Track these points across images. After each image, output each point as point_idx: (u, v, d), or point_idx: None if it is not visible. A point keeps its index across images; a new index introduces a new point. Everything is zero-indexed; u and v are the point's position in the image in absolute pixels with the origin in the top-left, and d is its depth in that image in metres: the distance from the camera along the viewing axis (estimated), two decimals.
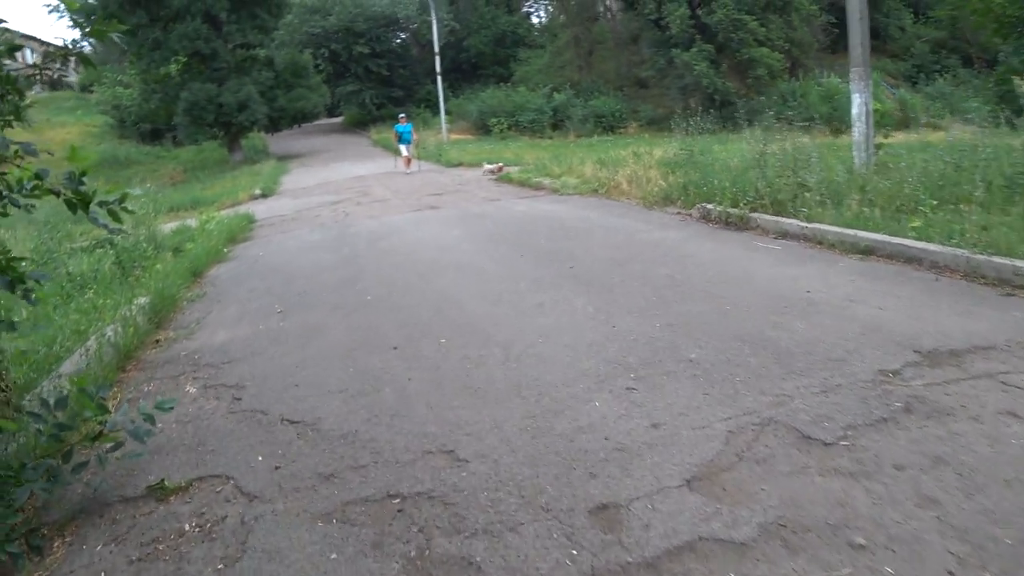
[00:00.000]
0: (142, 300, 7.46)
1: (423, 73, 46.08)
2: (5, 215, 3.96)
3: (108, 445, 3.73)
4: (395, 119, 42.10)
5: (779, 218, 9.11)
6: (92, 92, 48.49)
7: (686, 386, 4.34)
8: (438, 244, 9.87)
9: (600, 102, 36.79)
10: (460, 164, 23.94)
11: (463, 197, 15.60)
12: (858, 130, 11.41)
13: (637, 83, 41.30)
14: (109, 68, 49.52)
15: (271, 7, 34.49)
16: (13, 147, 4.04)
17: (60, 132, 45.06)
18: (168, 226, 14.69)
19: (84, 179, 4.31)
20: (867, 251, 7.48)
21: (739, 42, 35.25)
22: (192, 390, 5.25)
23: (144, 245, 11.19)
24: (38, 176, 4.37)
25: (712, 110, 36.71)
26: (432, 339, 5.63)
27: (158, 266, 9.91)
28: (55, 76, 5.02)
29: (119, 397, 5.29)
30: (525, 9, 50.30)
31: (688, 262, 7.58)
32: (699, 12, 36.63)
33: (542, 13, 51.18)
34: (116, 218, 4.42)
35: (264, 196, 21.76)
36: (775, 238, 8.76)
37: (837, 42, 45.36)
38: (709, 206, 10.26)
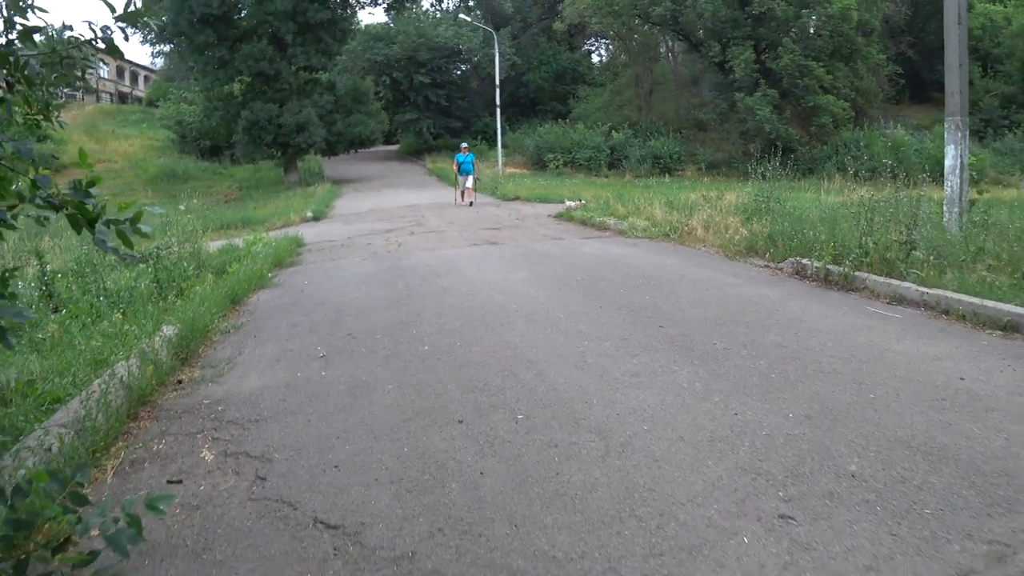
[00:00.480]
0: (169, 330, 6.45)
1: (481, 105, 45.45)
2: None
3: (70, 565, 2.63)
4: (453, 149, 41.69)
5: (891, 280, 7.84)
6: (158, 107, 48.77)
7: (861, 519, 3.12)
8: (503, 286, 8.74)
9: (658, 143, 35.70)
10: (517, 198, 22.97)
11: (523, 233, 14.52)
12: (951, 184, 10.20)
13: (696, 126, 40.13)
14: (175, 85, 49.92)
15: (336, 32, 34.13)
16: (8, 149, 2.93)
17: (124, 144, 45.29)
18: (215, 244, 13.87)
19: (92, 190, 3.12)
20: (1009, 327, 6.23)
21: (804, 88, 34.02)
22: (209, 457, 4.16)
23: (185, 264, 10.28)
24: (35, 185, 3.17)
25: (773, 156, 35.45)
26: (506, 412, 4.48)
27: (197, 288, 8.96)
28: (79, 66, 3.91)
29: (121, 456, 4.23)
30: (586, 47, 49.63)
31: (799, 328, 6.35)
32: (764, 57, 35.49)
33: (603, 52, 50.56)
34: (127, 241, 3.25)
35: (316, 219, 20.97)
36: (887, 303, 7.50)
37: (902, 92, 43.93)
38: (804, 261, 9.02)
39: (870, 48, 36.38)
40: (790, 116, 35.11)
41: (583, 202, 18.44)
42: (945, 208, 10.24)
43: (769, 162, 32.92)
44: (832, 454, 3.79)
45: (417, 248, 12.95)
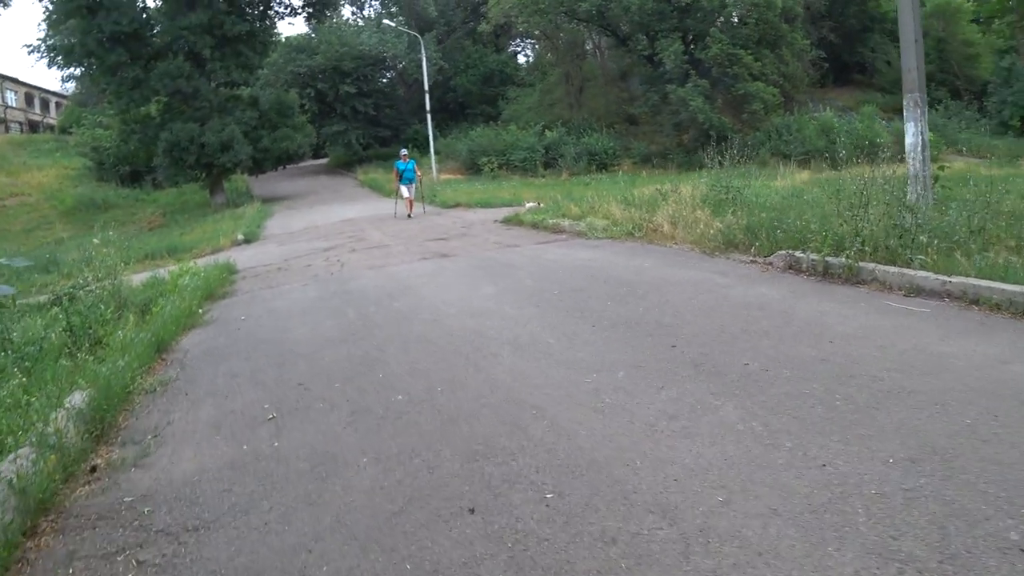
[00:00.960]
0: (80, 398, 5.17)
1: (409, 112, 44.16)
2: None
3: None
4: (384, 159, 40.39)
5: (905, 270, 6.99)
6: (71, 134, 46.10)
7: None
8: (471, 306, 7.63)
9: (592, 139, 34.98)
10: (457, 205, 21.84)
11: (475, 242, 13.42)
12: (914, 162, 9.55)
13: (627, 120, 39.60)
14: (89, 110, 47.27)
15: (256, 44, 32.46)
16: None
17: (37, 175, 42.66)
18: (139, 277, 12.46)
19: None
20: None
21: (733, 77, 33.79)
22: None
23: (103, 306, 8.89)
24: None
25: (707, 146, 35.03)
26: (529, 490, 3.36)
27: (118, 333, 7.63)
28: None
29: None
30: (512, 49, 48.74)
31: (830, 336, 5.41)
32: (692, 48, 35.09)
33: (528, 52, 49.71)
34: None
35: (247, 242, 19.49)
36: (905, 295, 6.64)
37: (826, 76, 44.22)
38: (798, 254, 8.14)
39: (795, 34, 36.32)
40: (722, 105, 34.76)
41: (540, 204, 17.43)
42: (909, 186, 9.55)
43: (703, 151, 32.52)
44: (976, 516, 2.80)
45: (362, 267, 11.72)
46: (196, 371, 6.35)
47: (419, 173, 20.68)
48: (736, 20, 35.13)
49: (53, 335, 7.78)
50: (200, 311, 9.27)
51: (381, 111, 41.54)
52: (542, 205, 17.42)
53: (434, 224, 17.71)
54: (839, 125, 34.13)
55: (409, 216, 19.75)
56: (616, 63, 40.95)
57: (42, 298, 11.70)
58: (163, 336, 7.56)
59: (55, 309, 10.24)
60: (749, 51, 33.82)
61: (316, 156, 46.95)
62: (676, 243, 10.60)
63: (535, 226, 14.74)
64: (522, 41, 49.93)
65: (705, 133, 33.69)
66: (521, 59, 48.84)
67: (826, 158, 30.36)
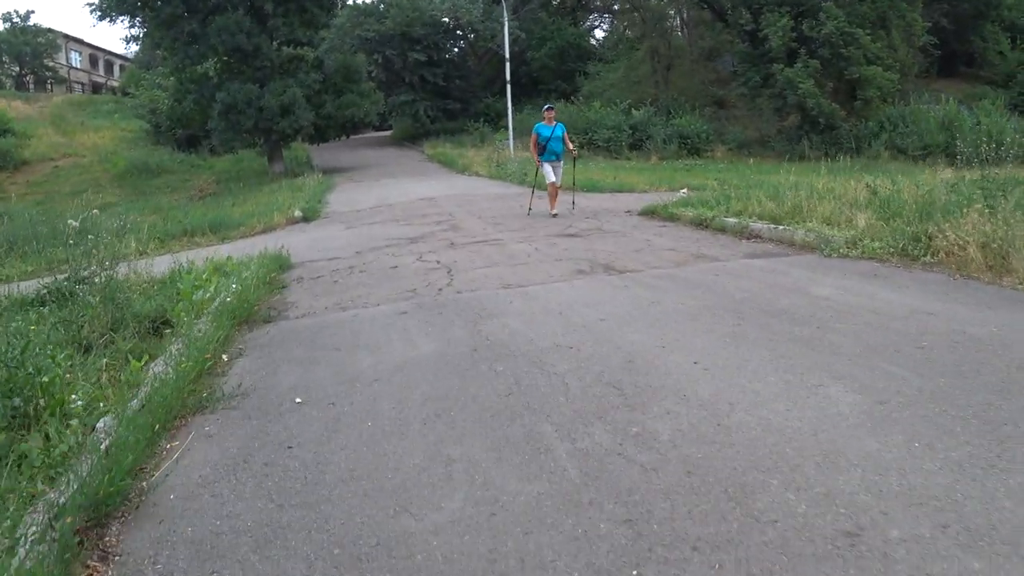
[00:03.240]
0: None
1: (480, 85, 39.50)
2: None
3: None
4: (451, 133, 35.49)
5: None
6: (131, 96, 42.32)
7: None
8: (835, 446, 3.07)
9: (683, 121, 30.07)
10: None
11: (631, 246, 8.90)
12: None
13: (716, 102, 34.49)
14: (151, 72, 43.44)
15: (322, 1, 28.08)
16: None
17: (93, 136, 39.02)
18: (166, 261, 8.32)
19: None
20: None
21: (846, 59, 28.44)
22: None
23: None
24: None
25: (812, 134, 29.95)
26: None
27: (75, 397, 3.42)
28: None
29: None
30: (588, 24, 43.75)
31: None
32: (803, 25, 29.84)
33: (605, 27, 44.63)
34: None
35: (306, 219, 15.20)
36: None
37: (932, 66, 38.43)
38: None
39: (914, 15, 30.79)
40: (831, 90, 29.48)
41: (688, 191, 12.80)
42: None
43: (808, 140, 27.17)
44: None
45: (485, 279, 7.25)
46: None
47: (571, 145, 12.80)
48: None
49: None
50: (224, 358, 4.92)
51: (451, 82, 36.92)
52: (689, 193, 12.80)
53: (541, 210, 13.19)
54: (964, 119, 28.72)
55: (553, 215, 12.23)
56: (705, 40, 35.77)
57: (37, 288, 7.82)
58: (138, 450, 3.20)
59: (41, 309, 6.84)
60: (867, 31, 28.50)
61: (379, 128, 42.60)
62: (1010, 277, 5.94)
63: (700, 224, 10.18)
64: (599, 16, 44.89)
65: (812, 120, 28.69)
66: (598, 34, 43.85)
67: (948, 155, 25.21)
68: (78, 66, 53.71)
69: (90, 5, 27.03)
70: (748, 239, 8.93)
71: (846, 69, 28.68)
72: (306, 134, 27.90)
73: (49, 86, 49.66)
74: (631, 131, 29.85)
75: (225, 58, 27.19)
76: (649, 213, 11.66)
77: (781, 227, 8.73)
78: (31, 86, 49.82)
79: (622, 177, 19.70)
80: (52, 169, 34.46)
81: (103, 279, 7.54)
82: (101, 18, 27.11)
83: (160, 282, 8.41)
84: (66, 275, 8.46)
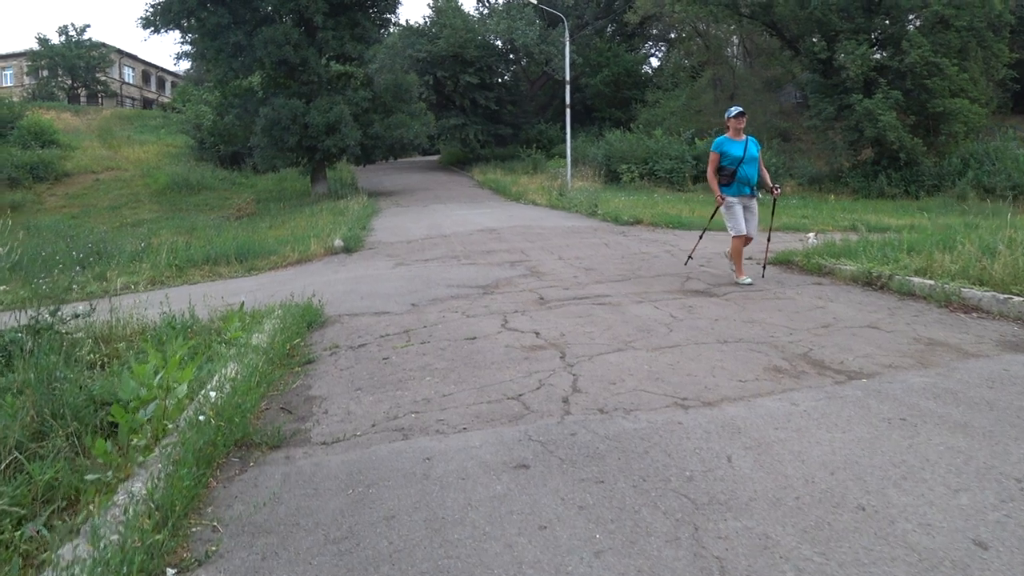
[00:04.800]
0: None
1: (533, 111, 36.88)
2: None
3: None
4: (502, 160, 32.46)
5: None
6: (178, 111, 40.38)
7: None
8: None
9: None
10: (639, 222, 14.32)
11: (787, 311, 5.97)
12: None
13: (780, 135, 31.38)
14: (199, 88, 41.55)
15: (374, 16, 25.65)
16: None
17: (138, 150, 37.05)
18: (179, 295, 5.57)
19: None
20: None
21: (929, 91, 25.25)
22: None
23: None
24: None
25: (891, 170, 26.71)
26: None
27: None
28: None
29: None
30: (644, 50, 40.90)
31: None
32: (881, 54, 26.84)
33: (659, 54, 41.71)
34: None
35: (347, 250, 12.45)
36: None
37: (1007, 101, 34.89)
38: None
39: (1000, 45, 27.51)
40: (913, 123, 26.21)
41: (816, 238, 9.75)
42: None
43: (885, 176, 23.79)
44: None
45: (630, 379, 4.33)
46: None
47: (765, 171, 7.95)
48: (939, 22, 26.62)
49: None
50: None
51: (503, 107, 34.28)
52: (817, 238, 9.78)
53: (636, 252, 10.25)
54: None
55: (744, 282, 7.52)
56: (769, 69, 32.73)
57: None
58: None
59: None
60: (953, 61, 25.34)
61: (426, 152, 40.10)
62: None
63: (869, 283, 7.20)
64: (655, 44, 42.05)
65: (892, 155, 25.44)
66: (654, 62, 41.01)
67: None
68: (131, 81, 52.20)
69: (141, 20, 24.91)
70: (963, 311, 5.92)
71: (929, 102, 25.47)
72: (352, 154, 25.32)
73: (100, 100, 48.06)
74: (694, 162, 26.88)
75: (271, 72, 24.84)
76: (785, 263, 8.67)
77: (1020, 299, 5.72)
78: (83, 99, 48.27)
79: (701, 212, 16.73)
80: (93, 182, 32.42)
81: (46, 339, 4.94)
82: (146, 27, 24.91)
83: (149, 333, 5.74)
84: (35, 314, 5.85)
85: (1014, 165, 25.07)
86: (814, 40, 28.05)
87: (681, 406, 3.74)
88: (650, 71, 39.58)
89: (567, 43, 24.71)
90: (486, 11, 36.54)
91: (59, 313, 6.41)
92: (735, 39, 34.04)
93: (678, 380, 4.19)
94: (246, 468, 3.43)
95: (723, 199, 7.63)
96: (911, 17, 27.24)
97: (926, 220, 16.44)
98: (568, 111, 24.51)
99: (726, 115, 7.79)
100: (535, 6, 33.31)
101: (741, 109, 7.72)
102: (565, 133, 26.52)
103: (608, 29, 39.58)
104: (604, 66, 35.80)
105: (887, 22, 26.65)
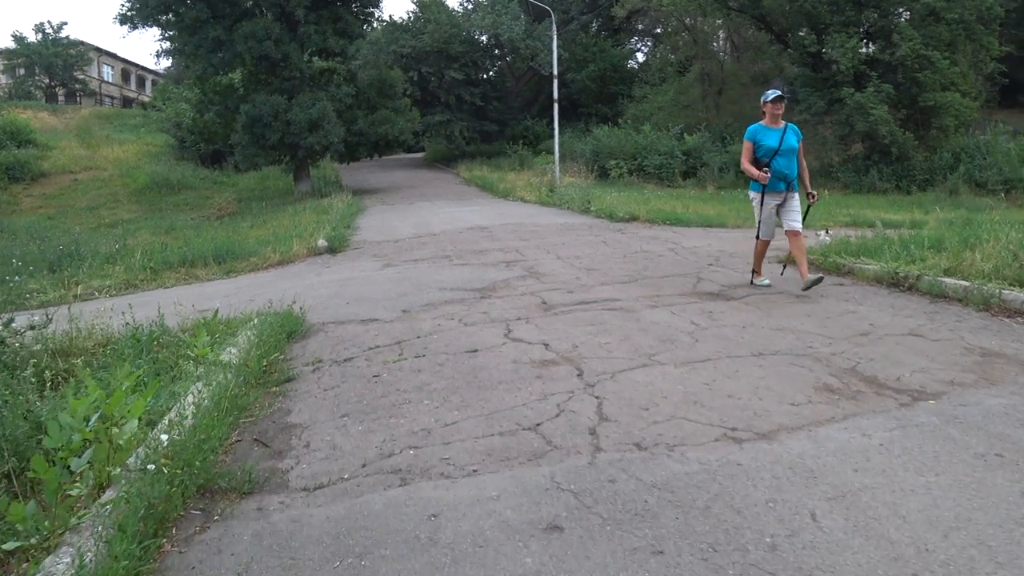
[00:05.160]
0: None
1: (518, 108, 36.15)
2: None
3: None
4: (488, 156, 31.61)
5: None
6: (158, 109, 39.32)
7: None
8: None
9: (740, 148, 26.32)
10: (635, 219, 13.71)
11: (817, 316, 5.37)
12: None
13: None
14: (179, 87, 40.48)
15: (357, 11, 24.84)
16: None
17: (117, 150, 36.01)
18: (150, 300, 4.84)
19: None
20: None
21: (919, 85, 24.83)
22: None
23: None
24: None
25: (882, 164, 26.25)
26: None
27: None
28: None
29: None
30: (630, 46, 40.26)
31: None
32: (871, 47, 26.33)
33: (644, 49, 41.03)
34: None
35: (332, 250, 11.73)
36: None
37: (994, 95, 34.57)
38: None
39: (990, 38, 27.13)
40: (904, 117, 25.72)
41: (829, 234, 9.12)
42: None
43: (876, 170, 23.29)
44: None
45: (664, 404, 3.70)
46: None
47: (805, 169, 6.90)
48: (928, 14, 26.18)
49: None
50: None
51: (489, 103, 33.51)
52: (830, 236, 9.18)
53: (642, 250, 9.63)
54: None
55: (760, 283, 6.99)
56: (756, 64, 32.20)
57: None
58: None
59: None
60: (944, 54, 24.94)
61: (410, 149, 39.28)
62: None
63: (895, 284, 6.62)
64: (640, 39, 41.41)
65: (883, 149, 24.96)
66: (640, 57, 40.31)
67: None
68: (110, 80, 50.84)
69: (118, 16, 23.94)
70: (1005, 315, 5.35)
71: (920, 95, 25.04)
72: (335, 151, 24.51)
73: (78, 99, 46.74)
74: (684, 157, 26.30)
75: (251, 68, 23.98)
76: (795, 262, 8.07)
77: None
78: (61, 99, 46.93)
79: (696, 208, 16.15)
80: (71, 182, 31.40)
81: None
82: (123, 23, 23.94)
83: (112, 347, 5.09)
84: None
85: (1005, 159, 24.69)
86: (803, 33, 27.60)
87: (733, 439, 3.10)
88: (636, 66, 38.96)
89: (555, 36, 24.08)
90: (471, 6, 35.71)
91: (12, 324, 5.70)
92: (722, 33, 33.44)
93: (721, 404, 3.56)
94: (209, 523, 2.77)
95: (760, 201, 6.81)
96: (900, 10, 26.82)
97: (925, 215, 16.00)
98: (556, 106, 23.85)
99: (762, 99, 6.92)
100: (520, 0, 32.61)
101: (780, 92, 6.85)
102: (552, 129, 25.90)
103: (594, 24, 38.92)
104: (590, 61, 35.16)
105: (876, 15, 26.17)
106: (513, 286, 7.29)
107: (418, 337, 5.40)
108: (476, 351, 4.85)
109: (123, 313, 5.72)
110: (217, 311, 6.06)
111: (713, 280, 7.26)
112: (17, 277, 10.40)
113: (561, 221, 13.69)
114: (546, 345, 4.86)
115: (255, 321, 5.50)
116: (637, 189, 22.90)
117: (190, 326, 5.74)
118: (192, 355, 4.40)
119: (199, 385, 3.91)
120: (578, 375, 4.15)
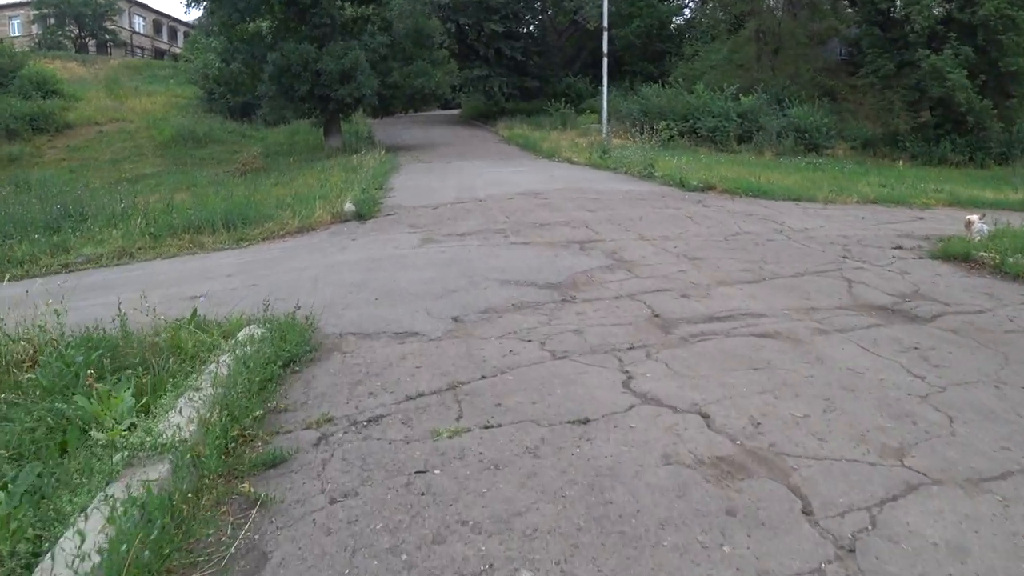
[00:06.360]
0: None
1: (560, 64, 33.53)
2: None
3: None
4: (528, 114, 29.11)
5: None
6: (187, 60, 37.23)
7: None
8: None
9: (799, 112, 23.72)
10: (710, 188, 11.48)
11: None
12: None
13: (826, 93, 27.95)
14: (209, 37, 38.30)
15: None
16: None
17: (145, 101, 34.02)
18: (114, 281, 2.89)
19: None
20: None
21: (1002, 49, 21.79)
22: None
23: None
24: None
25: (956, 135, 23.48)
26: None
27: None
28: None
29: None
30: (677, 1, 37.12)
31: None
32: (948, 5, 23.16)
33: (691, 6, 37.86)
34: None
35: (360, 217, 9.69)
36: None
37: None
38: None
39: None
40: (981, 83, 22.63)
41: (981, 218, 6.90)
42: None
43: (948, 140, 20.37)
44: None
45: None
46: None
47: None
48: None
49: None
50: None
51: (529, 58, 30.95)
52: (984, 219, 6.94)
53: (756, 234, 7.49)
54: None
55: None
56: (814, 23, 29.18)
57: None
58: None
59: None
60: None
61: (445, 105, 36.82)
62: None
63: None
64: None
65: (957, 118, 22.10)
66: (687, 14, 37.18)
67: None
68: (141, 31, 48.75)
69: None
70: None
71: (1001, 60, 21.96)
72: (368, 105, 22.33)
73: (109, 50, 44.77)
74: (739, 120, 23.72)
75: (280, 14, 21.74)
76: (952, 258, 5.90)
77: None
78: (92, 49, 44.98)
79: (767, 177, 13.79)
80: (96, 134, 29.56)
81: None
82: None
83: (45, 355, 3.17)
84: None
85: None
86: None
87: None
88: (683, 22, 35.98)
89: None
90: None
91: None
92: None
93: None
94: None
95: None
96: None
97: (1015, 194, 13.55)
98: (605, 60, 21.39)
99: None
100: None
101: None
102: (599, 86, 23.46)
103: None
104: (635, 16, 32.34)
105: None
106: (600, 282, 5.23)
107: (483, 377, 3.39)
108: (585, 421, 2.83)
109: (102, 290, 3.78)
110: (196, 311, 4.13)
111: (867, 283, 5.13)
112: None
113: (625, 188, 11.49)
114: (705, 417, 2.82)
115: (240, 346, 3.52)
116: (691, 153, 20.52)
117: (164, 327, 3.81)
118: (101, 440, 2.42)
119: (93, 525, 1.95)
120: (804, 511, 2.11)
